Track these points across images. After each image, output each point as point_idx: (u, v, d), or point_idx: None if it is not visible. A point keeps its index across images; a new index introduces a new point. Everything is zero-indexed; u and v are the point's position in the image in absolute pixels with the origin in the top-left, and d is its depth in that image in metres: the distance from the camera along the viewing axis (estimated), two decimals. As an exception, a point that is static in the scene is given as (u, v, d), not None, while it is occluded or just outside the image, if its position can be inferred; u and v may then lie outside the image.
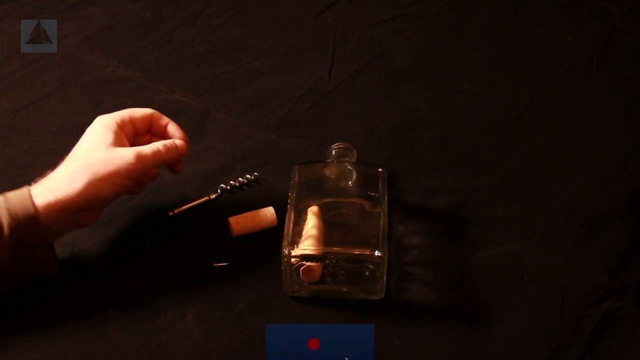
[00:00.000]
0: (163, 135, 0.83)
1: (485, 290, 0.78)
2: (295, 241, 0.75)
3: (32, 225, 0.71)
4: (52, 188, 0.73)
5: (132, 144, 0.81)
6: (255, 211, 0.84)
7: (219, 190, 0.89)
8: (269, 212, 0.84)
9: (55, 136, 0.97)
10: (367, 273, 0.75)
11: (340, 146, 0.86)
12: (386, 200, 0.81)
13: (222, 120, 1.00)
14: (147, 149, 0.77)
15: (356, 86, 1.07)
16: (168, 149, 0.79)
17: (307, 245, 0.74)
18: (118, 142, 0.77)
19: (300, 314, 0.76)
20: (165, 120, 0.83)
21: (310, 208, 0.79)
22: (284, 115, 1.01)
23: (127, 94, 1.04)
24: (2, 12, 1.20)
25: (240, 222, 0.83)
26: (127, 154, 0.75)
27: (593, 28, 1.18)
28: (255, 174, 0.90)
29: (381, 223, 0.77)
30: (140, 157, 0.76)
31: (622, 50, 1.14)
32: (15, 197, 0.72)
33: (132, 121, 0.80)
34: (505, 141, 0.97)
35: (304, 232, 0.76)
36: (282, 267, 0.75)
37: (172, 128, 0.82)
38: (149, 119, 0.82)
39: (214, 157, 0.94)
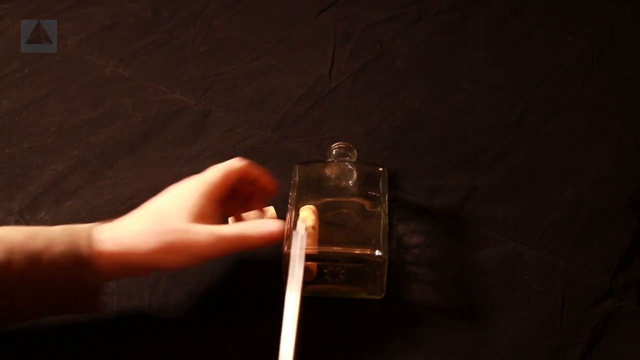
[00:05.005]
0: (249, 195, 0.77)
1: (485, 290, 0.78)
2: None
3: (84, 269, 0.65)
4: (119, 238, 0.67)
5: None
6: (255, 211, 0.84)
7: (219, 190, 0.88)
8: (269, 212, 0.84)
9: (55, 136, 0.97)
10: (368, 273, 0.75)
11: (341, 146, 0.86)
12: (386, 199, 0.81)
13: (222, 120, 1.00)
14: (231, 232, 0.69)
15: (356, 86, 1.06)
16: (259, 234, 0.69)
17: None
18: (204, 214, 0.69)
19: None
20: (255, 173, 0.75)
21: (307, 206, 0.78)
22: (284, 115, 1.01)
23: (127, 93, 1.04)
24: (2, 12, 1.20)
25: (240, 222, 0.82)
26: (203, 235, 0.67)
27: (593, 28, 1.18)
28: (256, 173, 0.90)
29: (381, 222, 0.77)
30: (219, 241, 0.68)
31: (622, 50, 1.14)
32: (77, 234, 0.66)
33: (231, 184, 0.73)
34: (505, 141, 0.97)
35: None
36: (282, 267, 0.75)
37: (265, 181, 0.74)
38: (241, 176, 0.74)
39: (214, 157, 0.94)
